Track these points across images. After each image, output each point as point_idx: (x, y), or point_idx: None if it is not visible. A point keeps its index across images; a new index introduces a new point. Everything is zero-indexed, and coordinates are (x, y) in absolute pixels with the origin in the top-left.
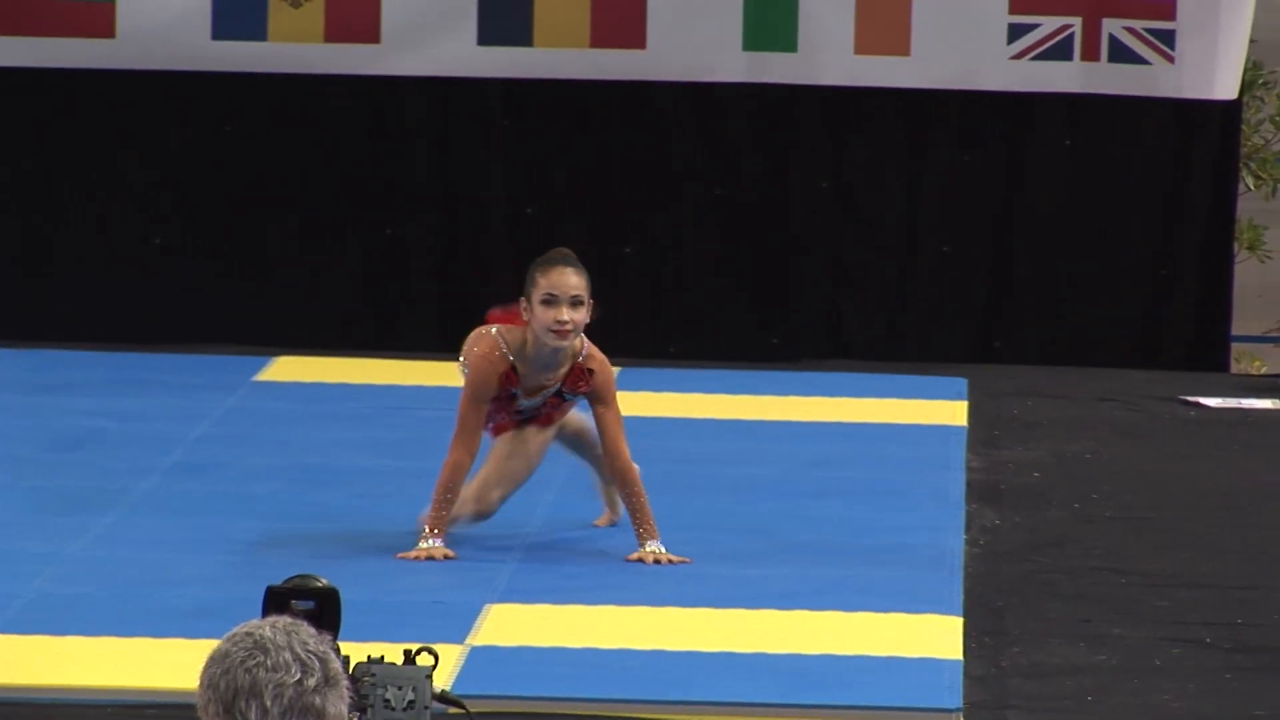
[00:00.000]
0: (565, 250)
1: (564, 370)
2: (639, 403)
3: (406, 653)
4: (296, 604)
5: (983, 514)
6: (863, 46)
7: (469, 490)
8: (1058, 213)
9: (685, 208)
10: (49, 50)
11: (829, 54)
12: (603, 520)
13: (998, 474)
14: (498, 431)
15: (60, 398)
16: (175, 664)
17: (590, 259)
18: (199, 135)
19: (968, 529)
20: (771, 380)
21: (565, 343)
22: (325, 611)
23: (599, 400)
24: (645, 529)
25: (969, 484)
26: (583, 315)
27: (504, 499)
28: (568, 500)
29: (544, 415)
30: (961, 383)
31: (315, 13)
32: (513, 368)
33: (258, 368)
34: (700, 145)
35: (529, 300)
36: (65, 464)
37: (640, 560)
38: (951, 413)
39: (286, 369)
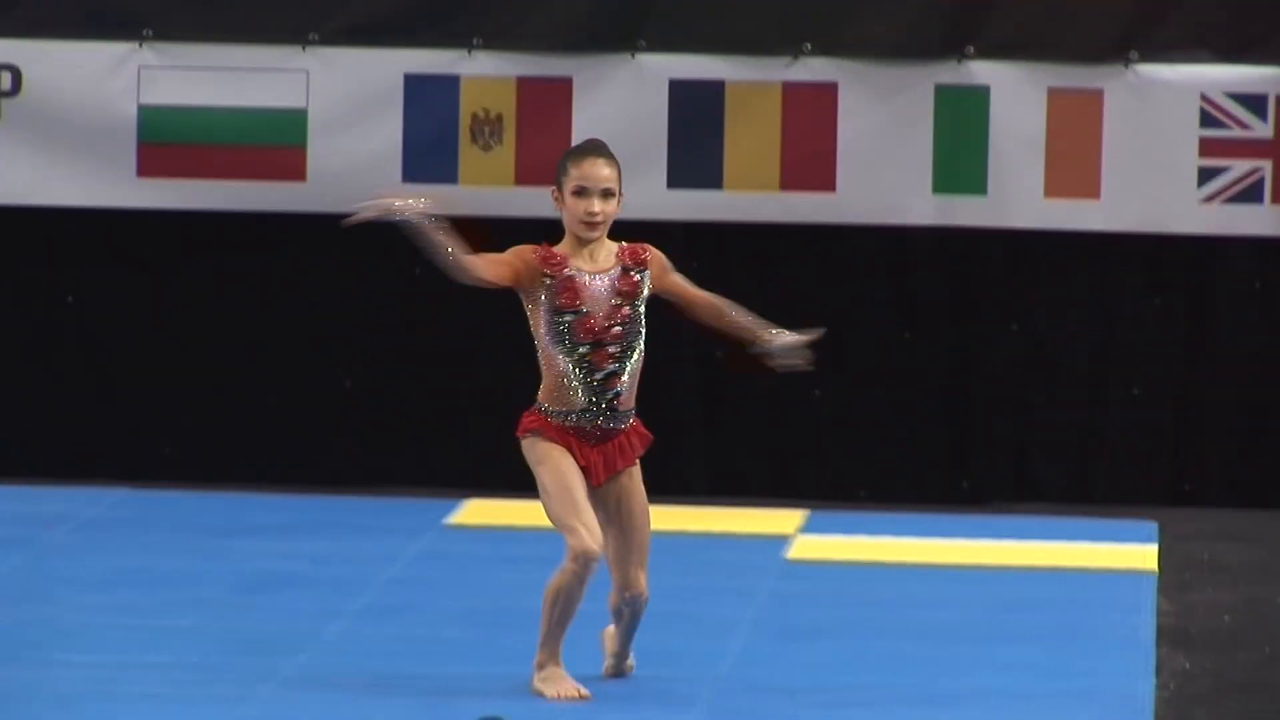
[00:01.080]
0: (597, 140)
1: (610, 259)
2: (828, 547)
3: None
4: None
5: (1173, 658)
6: (1053, 190)
7: (617, 579)
8: (1246, 356)
9: (875, 350)
10: (241, 193)
11: (1018, 198)
12: (607, 669)
13: (1188, 618)
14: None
15: (248, 541)
16: None
17: (781, 402)
18: (388, 278)
19: (1158, 673)
20: (960, 524)
21: (595, 235)
22: None
23: (665, 269)
24: (758, 322)
25: (1159, 628)
26: (613, 207)
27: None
28: (756, 644)
29: (616, 332)
30: (1152, 526)
31: (506, 157)
32: (550, 251)
33: (448, 511)
34: (890, 287)
35: (560, 191)
36: (253, 606)
37: (767, 340)
38: (1142, 557)
39: (477, 513)
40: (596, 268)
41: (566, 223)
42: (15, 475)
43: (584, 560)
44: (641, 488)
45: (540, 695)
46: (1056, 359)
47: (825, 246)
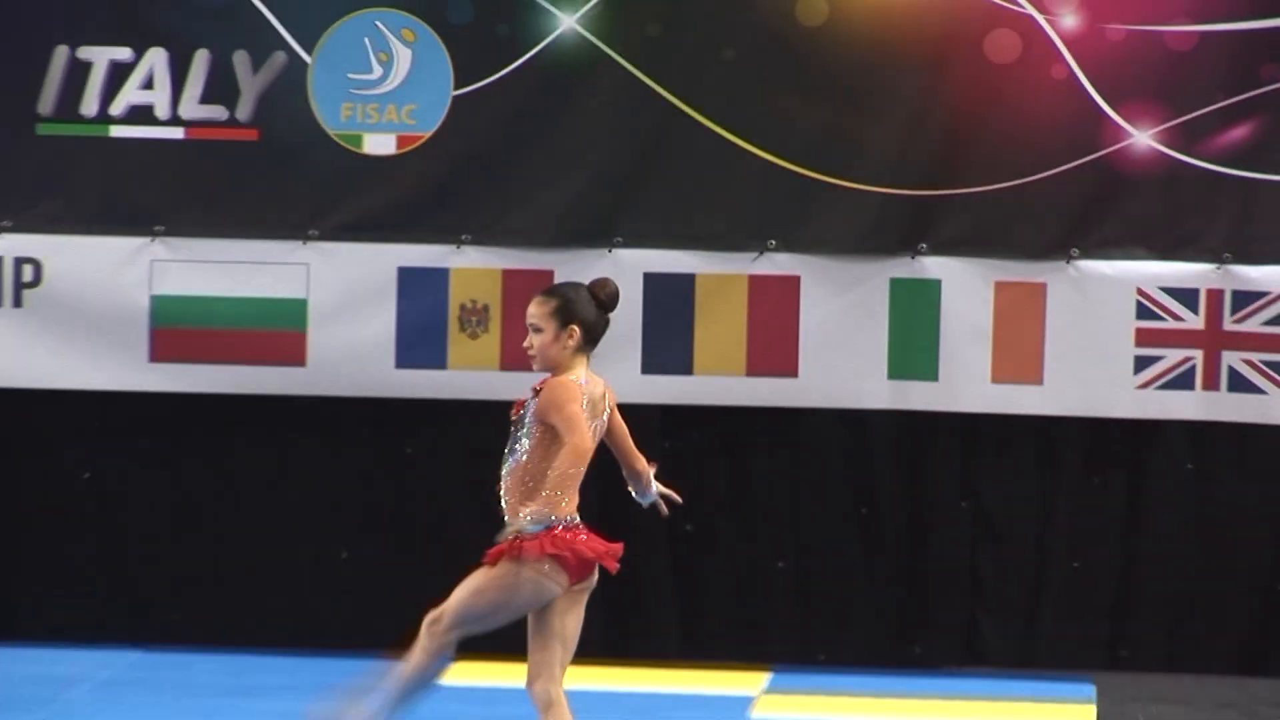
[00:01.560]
0: (551, 284)
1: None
2: (789, 704)
3: None
4: None
5: None
6: (999, 375)
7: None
8: (1178, 531)
9: (834, 524)
10: (245, 377)
11: (967, 383)
12: None
13: None
14: None
15: (251, 700)
16: None
17: (747, 571)
18: (381, 457)
19: None
20: (913, 684)
21: (535, 366)
22: None
23: (549, 406)
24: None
25: None
26: (545, 339)
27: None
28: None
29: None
30: (1090, 688)
31: (492, 343)
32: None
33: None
34: (848, 465)
35: None
36: None
37: (643, 488)
38: (1081, 715)
39: (463, 672)
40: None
41: None
42: (35, 637)
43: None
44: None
45: None
46: (1003, 533)
47: (788, 427)
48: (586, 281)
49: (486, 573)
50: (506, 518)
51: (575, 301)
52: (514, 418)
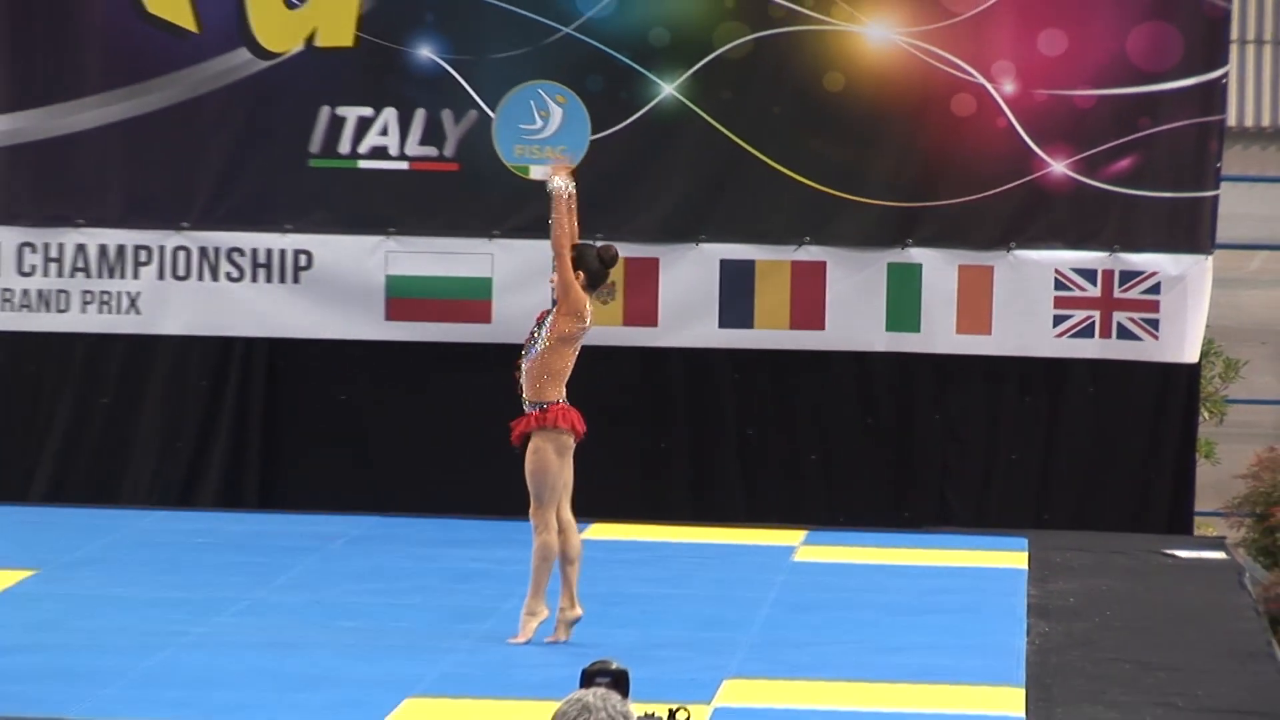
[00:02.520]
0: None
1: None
2: (820, 553)
3: (671, 711)
4: (599, 679)
5: (1038, 624)
6: (961, 329)
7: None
8: (1084, 434)
9: (848, 431)
10: (449, 330)
11: (940, 333)
12: (552, 638)
13: (1047, 599)
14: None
15: (455, 550)
16: (540, 716)
17: (790, 461)
18: None
19: (1028, 633)
20: (903, 538)
21: (553, 296)
22: (619, 683)
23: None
24: None
25: (1029, 605)
26: (554, 278)
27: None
28: (774, 614)
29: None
30: (1024, 541)
31: (617, 308)
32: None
33: (579, 531)
34: (858, 390)
35: None
36: (457, 591)
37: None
38: (1017, 559)
39: (599, 531)
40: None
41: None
42: (303, 507)
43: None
44: (531, 454)
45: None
46: (962, 436)
47: (818, 364)
48: (681, 266)
49: (529, 456)
50: (525, 397)
51: (585, 256)
52: (535, 324)
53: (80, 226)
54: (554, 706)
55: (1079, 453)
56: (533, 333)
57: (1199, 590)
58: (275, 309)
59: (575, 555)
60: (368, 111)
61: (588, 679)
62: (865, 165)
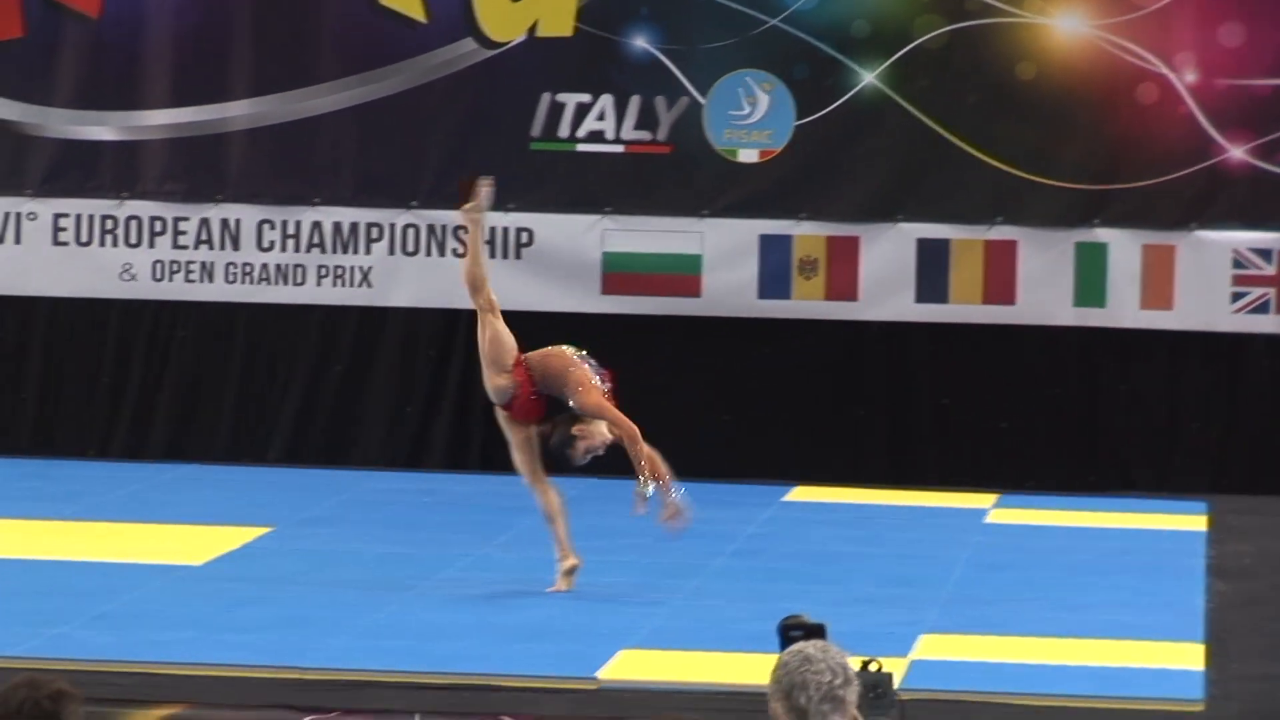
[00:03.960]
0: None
1: None
2: (1011, 515)
3: (864, 663)
4: (794, 633)
5: (1217, 583)
6: (1145, 305)
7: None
8: (1263, 405)
9: (1040, 394)
10: (661, 303)
11: (1125, 309)
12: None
13: (1225, 560)
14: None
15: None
16: (748, 668)
17: (981, 429)
18: (742, 355)
19: (1207, 592)
20: (1088, 501)
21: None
22: (813, 636)
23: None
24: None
25: (1208, 565)
26: None
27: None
28: (967, 572)
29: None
30: (1203, 505)
31: (820, 283)
32: None
33: (782, 493)
34: (1046, 360)
35: None
36: (668, 549)
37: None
38: (1198, 522)
39: (804, 494)
40: None
41: None
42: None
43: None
44: None
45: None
46: (1146, 406)
47: (1009, 338)
48: (882, 244)
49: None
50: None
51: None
52: None
53: (316, 205)
54: (762, 659)
55: (1256, 422)
56: None
57: None
58: (498, 283)
59: (556, 511)
60: (586, 98)
61: (784, 632)
62: (1055, 149)
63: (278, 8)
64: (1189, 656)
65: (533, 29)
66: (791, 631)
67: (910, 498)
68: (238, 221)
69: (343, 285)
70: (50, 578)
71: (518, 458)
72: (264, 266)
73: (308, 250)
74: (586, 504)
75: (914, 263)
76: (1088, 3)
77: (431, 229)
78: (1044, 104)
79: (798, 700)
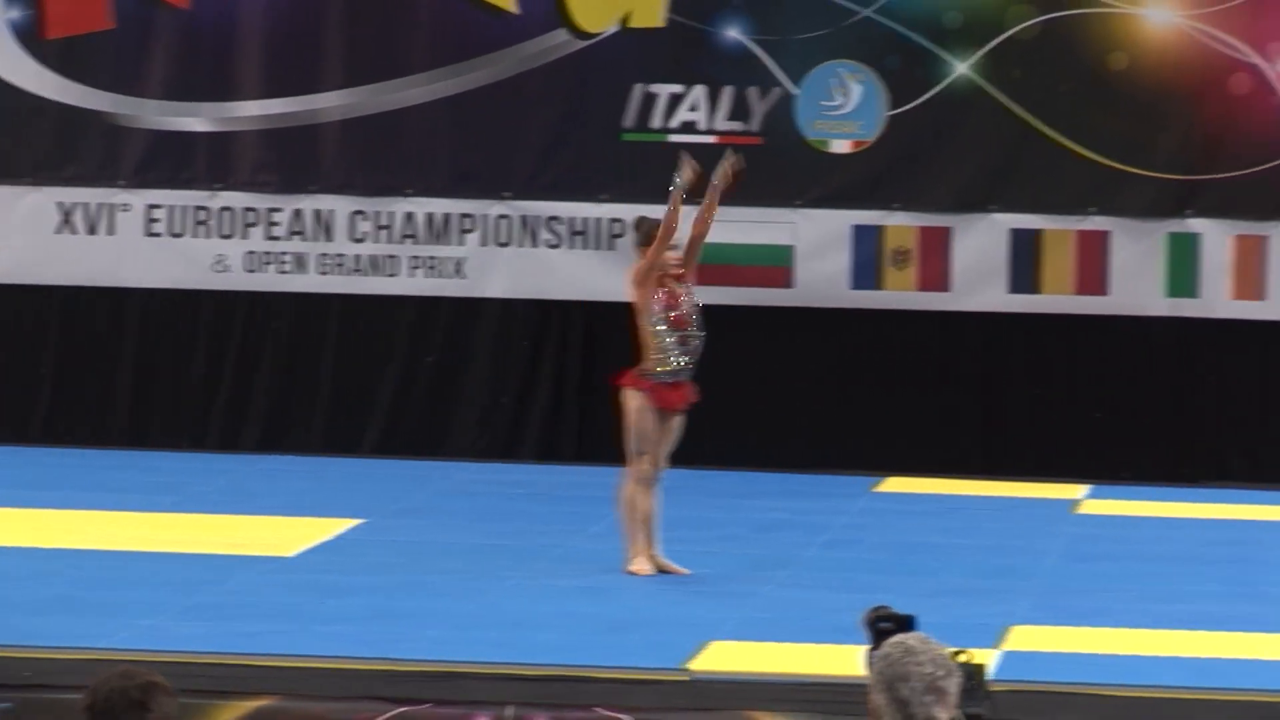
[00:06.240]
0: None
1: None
2: (1102, 506)
3: (953, 654)
4: (881, 624)
5: None
6: (1237, 295)
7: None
8: None
9: (1125, 384)
10: (753, 294)
11: (1216, 299)
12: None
13: None
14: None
15: (756, 501)
16: (838, 660)
17: (1073, 421)
18: (845, 343)
19: None
20: (1180, 493)
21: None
22: (901, 628)
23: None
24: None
25: None
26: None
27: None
28: (1059, 563)
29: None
30: None
31: (910, 272)
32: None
33: (874, 483)
34: (1135, 352)
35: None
36: (760, 541)
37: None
38: None
39: (895, 484)
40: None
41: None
42: (620, 460)
43: (643, 476)
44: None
45: (631, 573)
46: (1239, 396)
47: (1102, 327)
48: (973, 235)
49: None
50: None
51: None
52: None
53: (409, 196)
54: (852, 651)
55: None
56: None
57: None
58: (591, 274)
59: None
60: (678, 88)
61: (871, 625)
62: (1147, 140)
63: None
64: None
65: (624, 20)
66: (880, 623)
67: (1002, 488)
68: (331, 212)
69: (436, 276)
70: (143, 569)
71: (658, 449)
72: (357, 257)
73: (401, 241)
74: (680, 494)
75: (1006, 253)
76: None
77: (524, 220)
78: (1136, 94)
79: (900, 692)
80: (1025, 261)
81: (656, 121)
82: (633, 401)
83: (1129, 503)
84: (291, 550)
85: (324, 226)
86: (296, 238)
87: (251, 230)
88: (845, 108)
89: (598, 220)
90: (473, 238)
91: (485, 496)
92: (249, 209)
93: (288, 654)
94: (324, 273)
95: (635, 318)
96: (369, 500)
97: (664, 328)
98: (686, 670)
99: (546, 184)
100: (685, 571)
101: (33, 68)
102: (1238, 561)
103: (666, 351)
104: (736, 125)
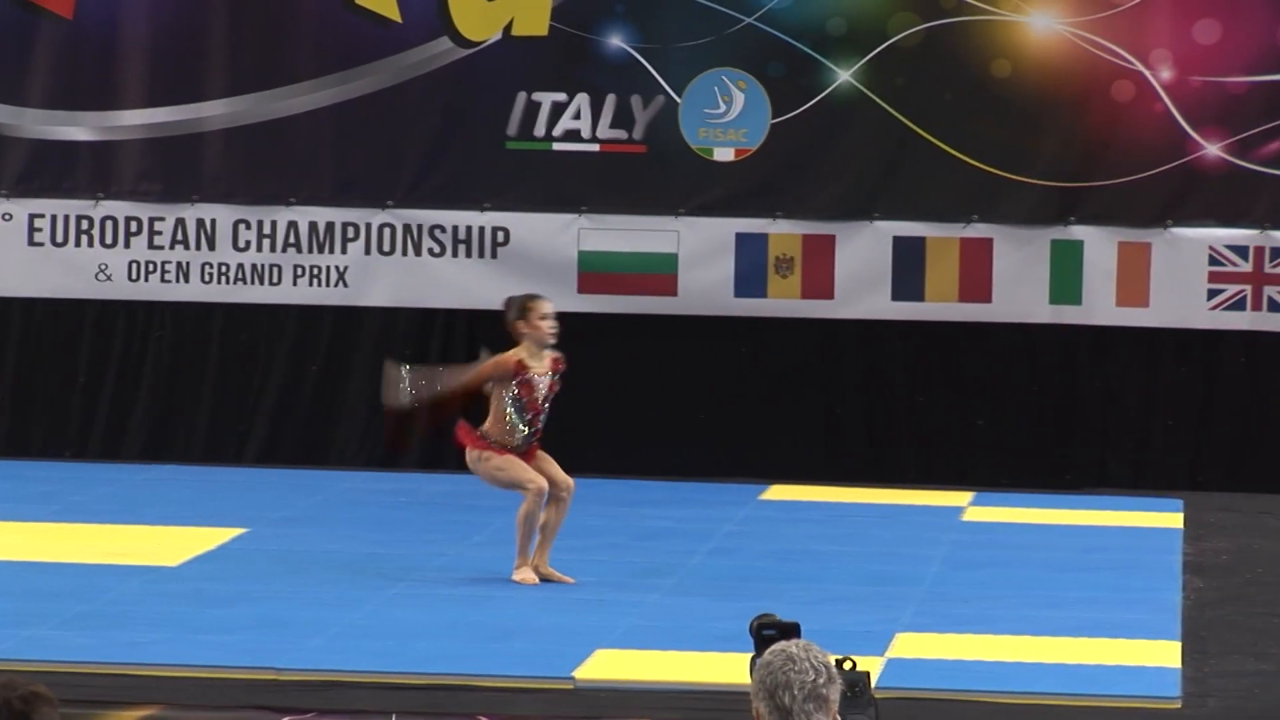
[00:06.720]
0: (534, 293)
1: (547, 360)
2: (985, 514)
3: (838, 661)
4: (765, 631)
5: (1192, 580)
6: (1120, 302)
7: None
8: (1238, 402)
9: (1012, 394)
10: (635, 302)
11: (1100, 306)
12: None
13: (1201, 557)
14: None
15: (639, 509)
16: (724, 668)
17: (958, 428)
18: (720, 352)
19: (1183, 589)
20: (1062, 500)
21: (553, 342)
22: (786, 636)
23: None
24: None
25: (1184, 562)
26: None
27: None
28: (943, 569)
29: (547, 403)
30: (1178, 502)
31: (794, 280)
32: (522, 361)
33: (759, 491)
34: (1020, 356)
35: (526, 320)
36: (643, 548)
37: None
38: (1172, 519)
39: (779, 493)
40: (542, 370)
41: (533, 337)
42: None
43: (540, 491)
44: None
45: (515, 582)
46: (1122, 403)
47: (985, 335)
48: (856, 242)
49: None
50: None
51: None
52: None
53: (292, 204)
54: (738, 659)
55: (1232, 419)
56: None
57: None
58: (474, 282)
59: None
60: (561, 97)
61: (755, 632)
62: (1030, 147)
63: (252, 7)
64: (1165, 654)
65: (507, 28)
66: (764, 631)
67: (886, 496)
68: (213, 221)
69: (319, 285)
70: (25, 579)
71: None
72: (240, 266)
73: (284, 250)
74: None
75: (889, 261)
76: (1063, 0)
77: (408, 228)
78: (1019, 102)
79: (781, 699)
80: (909, 269)
81: (540, 130)
82: (491, 461)
83: (1013, 510)
84: (175, 560)
85: (207, 235)
86: (179, 247)
87: (134, 239)
88: (728, 115)
89: (481, 229)
90: (356, 246)
91: (368, 505)
92: (132, 218)
93: (171, 663)
94: (207, 282)
95: (489, 379)
96: (252, 509)
97: (513, 409)
98: (572, 679)
99: (430, 192)
100: (570, 580)
101: None
102: (1120, 568)
103: (514, 427)
104: (620, 133)
